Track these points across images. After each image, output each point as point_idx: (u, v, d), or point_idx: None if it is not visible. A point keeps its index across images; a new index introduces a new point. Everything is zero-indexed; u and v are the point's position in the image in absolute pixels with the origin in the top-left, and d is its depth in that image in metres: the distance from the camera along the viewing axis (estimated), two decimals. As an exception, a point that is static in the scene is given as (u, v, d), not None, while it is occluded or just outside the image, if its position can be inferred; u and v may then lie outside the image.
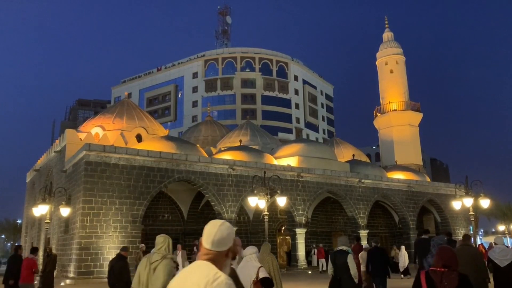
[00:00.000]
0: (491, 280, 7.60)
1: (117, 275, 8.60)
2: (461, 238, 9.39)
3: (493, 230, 63.10)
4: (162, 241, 5.37)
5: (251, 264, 5.72)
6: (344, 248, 7.95)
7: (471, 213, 20.40)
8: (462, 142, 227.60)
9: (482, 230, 66.71)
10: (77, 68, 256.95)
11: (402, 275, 20.47)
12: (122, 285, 8.24)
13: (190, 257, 24.44)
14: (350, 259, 7.63)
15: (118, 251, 9.66)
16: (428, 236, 12.08)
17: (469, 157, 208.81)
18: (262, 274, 5.58)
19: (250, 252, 5.96)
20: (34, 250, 12.28)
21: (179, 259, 20.84)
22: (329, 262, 8.14)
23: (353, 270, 7.56)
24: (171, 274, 4.99)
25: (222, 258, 2.48)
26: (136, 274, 5.28)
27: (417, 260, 11.53)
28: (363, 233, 29.13)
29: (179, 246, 22.23)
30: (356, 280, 7.69)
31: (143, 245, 20.81)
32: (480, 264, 7.50)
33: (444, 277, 3.93)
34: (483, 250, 23.33)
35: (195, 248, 24.88)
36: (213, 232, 2.47)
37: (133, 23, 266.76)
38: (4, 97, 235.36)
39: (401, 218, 32.88)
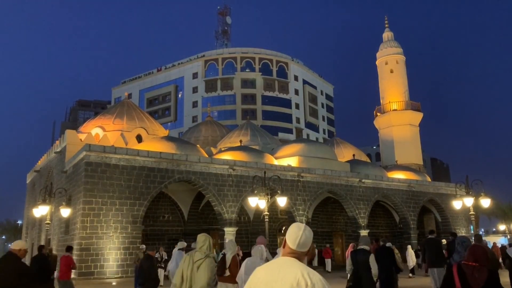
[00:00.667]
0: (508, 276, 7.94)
1: (146, 273, 9.17)
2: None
3: (494, 229, 63.05)
4: (203, 240, 5.65)
5: (257, 263, 6.41)
6: (366, 247, 8.14)
7: (472, 212, 20.38)
8: (463, 142, 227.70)
9: (482, 229, 66.68)
10: (77, 69, 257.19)
11: (410, 274, 20.77)
12: (151, 282, 8.95)
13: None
14: (372, 259, 7.79)
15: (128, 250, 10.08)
16: (435, 236, 12.49)
17: (469, 157, 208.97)
18: None
19: (257, 252, 6.61)
20: (70, 249, 13.09)
21: (180, 259, 20.88)
22: (348, 260, 8.32)
23: (374, 270, 7.74)
24: (213, 272, 5.46)
25: (303, 257, 2.89)
26: (178, 272, 5.54)
27: (425, 258, 11.94)
28: (364, 233, 29.11)
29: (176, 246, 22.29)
30: (375, 279, 7.90)
31: (143, 246, 20.81)
32: (494, 263, 8.02)
33: (475, 270, 4.46)
34: (498, 249, 24.04)
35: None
36: (299, 235, 2.85)
37: (133, 23, 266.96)
38: (4, 97, 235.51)
39: (401, 218, 32.87)
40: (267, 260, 6.56)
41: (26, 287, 5.71)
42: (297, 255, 2.85)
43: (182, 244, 13.45)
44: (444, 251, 12.86)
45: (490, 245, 26.81)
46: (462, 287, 4.45)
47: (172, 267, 11.70)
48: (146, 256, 9.74)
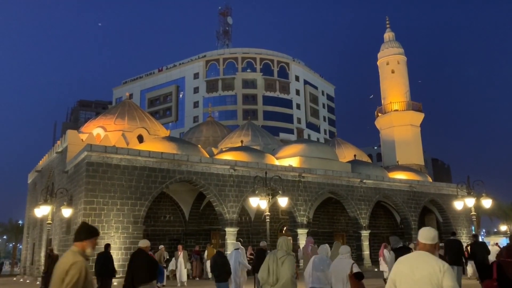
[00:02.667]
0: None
1: (220, 267, 10.82)
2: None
3: (495, 230, 62.91)
4: (282, 241, 6.86)
5: (346, 261, 7.22)
6: (407, 245, 9.31)
7: (473, 213, 20.36)
8: (464, 142, 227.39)
9: (484, 230, 66.51)
10: (78, 69, 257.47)
11: None
12: (225, 275, 10.86)
13: (191, 258, 24.50)
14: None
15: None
16: (456, 238, 14.30)
17: (471, 157, 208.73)
18: (355, 269, 7.05)
19: (345, 251, 7.43)
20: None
21: (180, 259, 20.88)
22: (392, 256, 9.12)
23: None
24: (294, 266, 6.73)
25: (434, 250, 3.88)
26: (264, 267, 6.67)
27: (446, 257, 12.86)
28: (365, 233, 29.10)
29: (179, 246, 22.32)
30: None
31: (162, 246, 21.10)
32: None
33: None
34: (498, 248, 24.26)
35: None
36: (431, 231, 3.95)
37: (134, 24, 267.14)
38: (6, 98, 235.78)
39: (402, 219, 32.83)
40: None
41: (153, 274, 8.46)
42: (430, 248, 3.85)
43: (238, 244, 14.83)
44: (464, 251, 14.18)
45: (489, 245, 26.72)
46: (498, 278, 5.60)
47: (232, 264, 12.71)
48: (218, 252, 11.50)
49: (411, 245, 12.75)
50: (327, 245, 8.57)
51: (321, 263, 7.82)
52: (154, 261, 9.16)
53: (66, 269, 4.04)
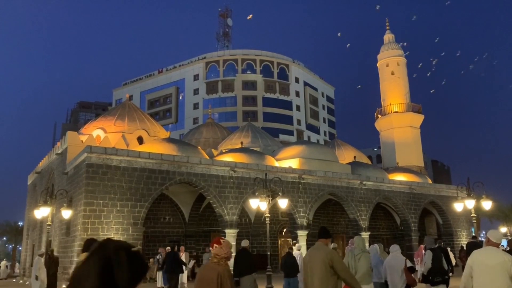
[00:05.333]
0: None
1: (290, 266, 12.62)
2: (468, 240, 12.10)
3: (495, 231, 62.90)
4: (358, 241, 8.49)
5: (399, 257, 8.90)
6: (436, 246, 9.96)
7: (473, 214, 20.35)
8: (464, 144, 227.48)
9: (484, 232, 66.48)
10: (78, 70, 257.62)
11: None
12: (295, 272, 12.48)
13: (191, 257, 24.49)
14: (451, 254, 9.66)
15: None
16: (478, 241, 15.24)
17: (471, 159, 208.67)
18: (408, 264, 8.78)
19: (396, 249, 9.15)
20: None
21: (183, 260, 20.92)
22: (428, 255, 9.58)
23: (445, 265, 9.13)
24: (369, 261, 8.07)
25: (498, 246, 5.34)
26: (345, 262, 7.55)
27: (467, 257, 14.41)
28: (365, 235, 29.07)
29: (181, 248, 22.33)
30: (450, 274, 9.81)
31: (182, 246, 21.56)
32: None
33: None
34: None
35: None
36: (499, 233, 5.46)
37: (134, 25, 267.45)
38: (6, 99, 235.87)
39: (402, 220, 32.82)
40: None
41: (253, 267, 10.59)
42: (496, 246, 5.28)
43: (298, 246, 16.84)
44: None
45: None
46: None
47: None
48: (288, 253, 13.40)
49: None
50: (376, 245, 10.68)
51: (374, 260, 9.40)
52: (253, 257, 11.65)
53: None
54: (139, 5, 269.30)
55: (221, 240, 4.64)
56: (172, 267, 15.51)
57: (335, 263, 5.57)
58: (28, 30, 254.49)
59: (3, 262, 36.97)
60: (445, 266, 8.99)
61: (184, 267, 17.10)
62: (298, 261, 13.66)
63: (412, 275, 8.86)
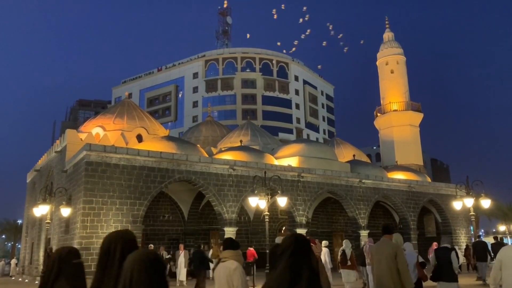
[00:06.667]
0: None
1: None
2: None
3: (494, 230, 62.99)
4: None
5: (413, 253, 9.29)
6: (448, 245, 9.95)
7: (472, 213, 20.39)
8: (463, 142, 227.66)
9: (482, 230, 66.63)
10: (77, 68, 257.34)
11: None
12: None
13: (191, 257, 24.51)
14: (453, 255, 9.35)
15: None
16: (481, 240, 17.48)
17: (470, 157, 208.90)
18: (420, 259, 9.21)
19: (409, 246, 9.68)
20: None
21: (182, 258, 20.92)
22: (433, 255, 10.01)
23: (455, 264, 9.28)
24: (405, 258, 7.95)
25: None
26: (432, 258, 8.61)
27: (475, 257, 16.46)
28: (364, 233, 29.11)
29: (181, 246, 22.37)
30: (456, 272, 9.53)
31: (151, 245, 21.12)
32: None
33: None
34: None
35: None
36: None
37: (133, 23, 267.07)
38: (5, 97, 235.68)
39: (401, 218, 32.86)
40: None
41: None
42: None
43: (325, 243, 17.57)
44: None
45: (489, 245, 26.78)
46: None
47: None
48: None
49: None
50: (408, 243, 10.99)
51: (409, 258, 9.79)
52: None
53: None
54: (138, 3, 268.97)
55: (316, 241, 5.65)
56: (200, 264, 16.90)
57: (398, 255, 6.72)
58: (27, 28, 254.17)
59: (13, 260, 37.27)
60: (455, 263, 9.25)
61: (210, 263, 18.23)
62: (325, 257, 13.74)
63: (424, 270, 9.32)
